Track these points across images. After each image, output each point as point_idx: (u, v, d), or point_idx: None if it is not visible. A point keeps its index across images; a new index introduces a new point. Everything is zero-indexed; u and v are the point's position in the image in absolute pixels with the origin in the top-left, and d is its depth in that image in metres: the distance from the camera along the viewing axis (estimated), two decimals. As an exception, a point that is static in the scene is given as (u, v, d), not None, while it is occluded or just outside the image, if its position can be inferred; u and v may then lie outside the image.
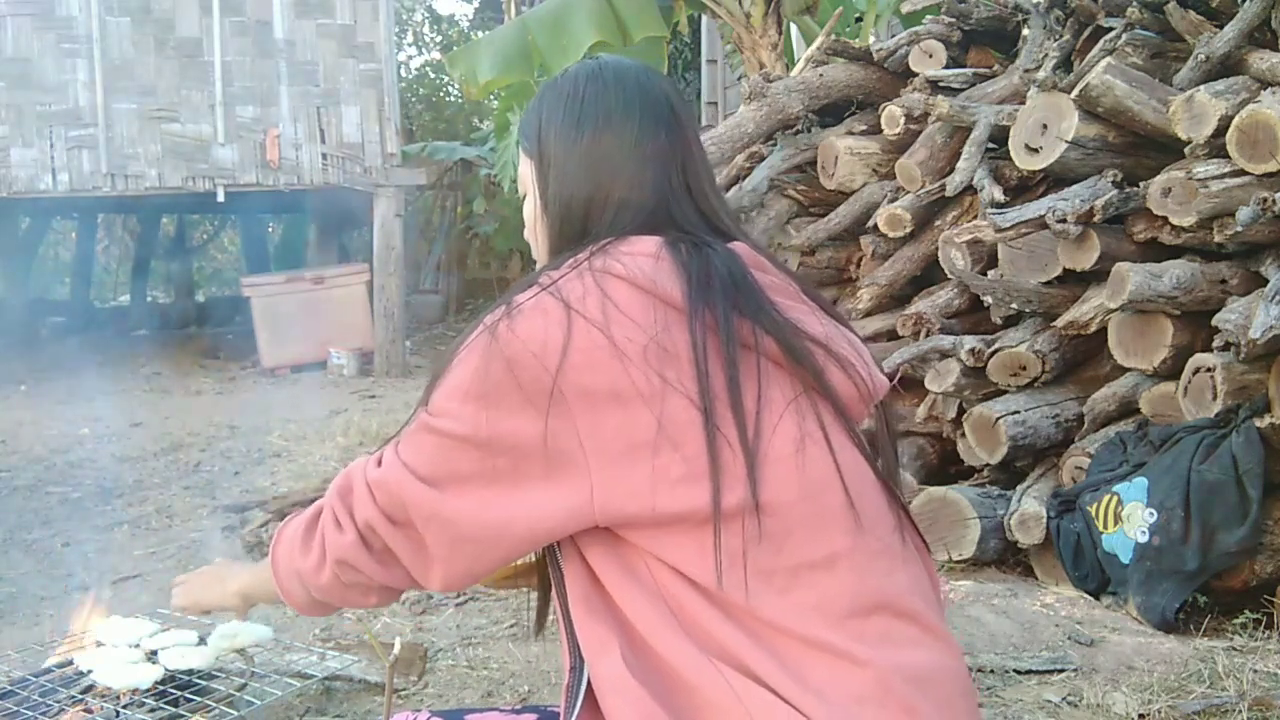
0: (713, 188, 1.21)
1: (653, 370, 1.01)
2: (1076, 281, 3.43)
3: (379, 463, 1.11)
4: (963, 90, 4.09)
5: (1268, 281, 2.99)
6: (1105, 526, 2.97)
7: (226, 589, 1.43)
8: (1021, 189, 3.70)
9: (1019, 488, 3.36)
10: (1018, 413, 3.38)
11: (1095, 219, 3.21)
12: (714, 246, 1.12)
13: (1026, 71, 3.89)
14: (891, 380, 1.22)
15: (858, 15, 7.14)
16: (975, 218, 3.77)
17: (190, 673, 2.38)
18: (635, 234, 1.11)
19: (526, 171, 1.23)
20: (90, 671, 2.41)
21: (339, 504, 1.13)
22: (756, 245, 1.19)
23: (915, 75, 4.23)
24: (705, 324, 1.04)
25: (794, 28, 7.36)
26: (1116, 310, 3.17)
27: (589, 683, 1.05)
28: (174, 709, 2.32)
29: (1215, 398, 2.96)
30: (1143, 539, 2.88)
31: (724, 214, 1.20)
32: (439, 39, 16.63)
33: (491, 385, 1.02)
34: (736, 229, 1.20)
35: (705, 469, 1.00)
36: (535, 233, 1.23)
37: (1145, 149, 3.45)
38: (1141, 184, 3.26)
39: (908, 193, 3.94)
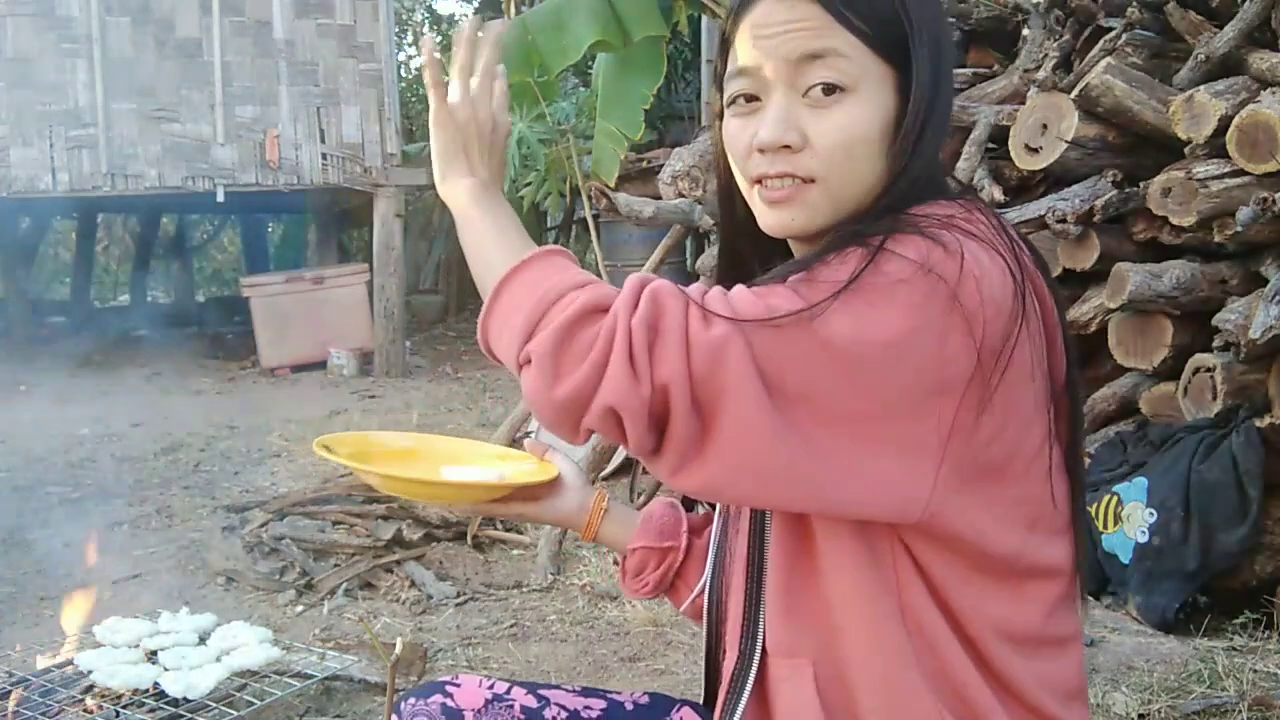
0: None
1: (1045, 376, 0.91)
2: (1076, 281, 3.43)
3: (707, 319, 0.82)
4: (963, 90, 4.09)
5: (1268, 281, 2.99)
6: (1105, 526, 2.97)
7: (458, 187, 1.06)
8: (1021, 189, 3.70)
9: (1019, 488, 3.36)
10: (1018, 413, 3.38)
11: (1095, 219, 3.21)
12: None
13: (1026, 71, 3.89)
14: None
15: (858, 15, 7.13)
16: (975, 218, 3.76)
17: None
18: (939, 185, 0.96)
19: (871, 73, 0.92)
20: (90, 672, 2.41)
21: (642, 335, 0.82)
22: None
23: (915, 75, 4.23)
24: (1072, 382, 0.96)
25: (794, 28, 7.35)
26: (1116, 310, 3.17)
27: (756, 675, 0.97)
28: (174, 709, 2.32)
29: (1215, 398, 2.96)
30: (1143, 539, 2.88)
31: None
32: (439, 39, 16.62)
33: (937, 316, 0.82)
34: None
35: (1052, 508, 0.92)
36: (858, 153, 0.93)
37: (1145, 149, 3.45)
38: (1141, 184, 3.26)
39: (908, 193, 3.94)
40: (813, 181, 0.93)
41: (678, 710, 1.21)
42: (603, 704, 1.20)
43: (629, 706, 1.20)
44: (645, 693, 1.24)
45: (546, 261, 0.92)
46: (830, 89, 0.91)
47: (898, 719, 0.90)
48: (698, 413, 0.82)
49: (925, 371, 0.83)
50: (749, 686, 0.96)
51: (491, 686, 1.15)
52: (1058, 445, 0.94)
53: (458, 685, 1.14)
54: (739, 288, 0.86)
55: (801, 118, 0.93)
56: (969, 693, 0.90)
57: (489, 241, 1.01)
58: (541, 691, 1.17)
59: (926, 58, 0.92)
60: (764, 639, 0.96)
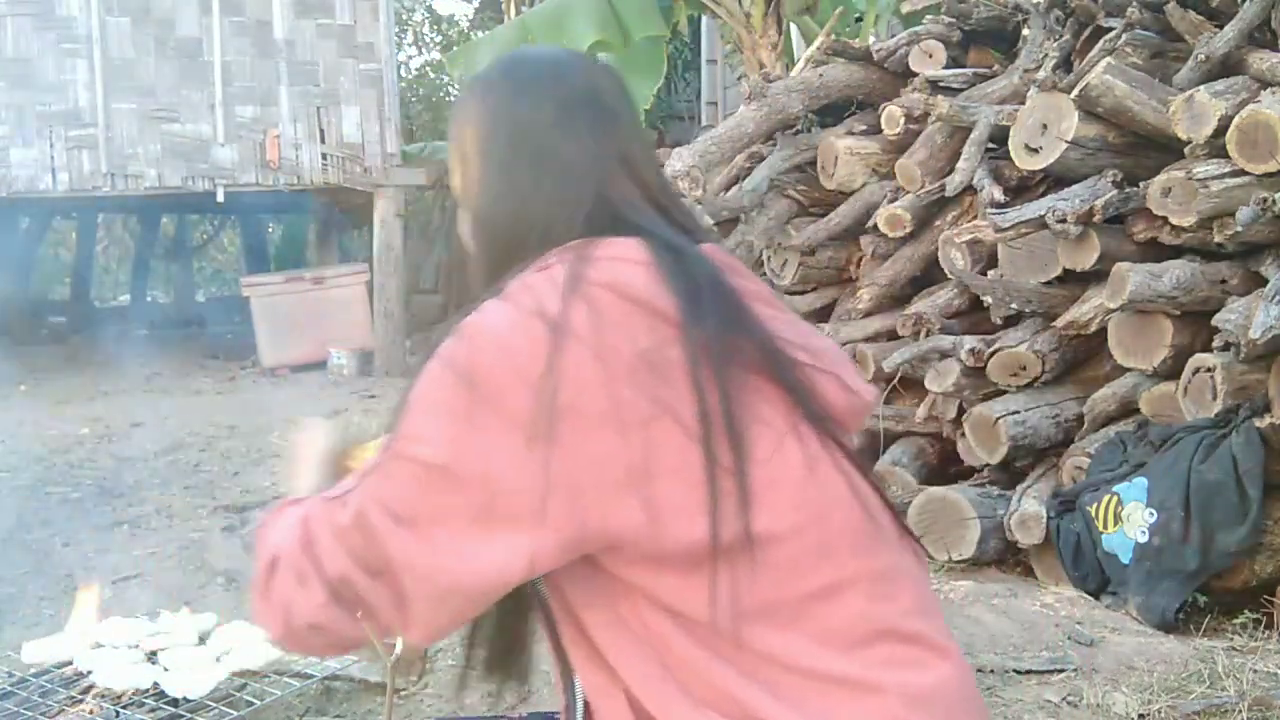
0: (662, 180, 1.11)
1: (644, 391, 0.92)
2: (1076, 281, 3.43)
3: (344, 504, 0.98)
4: (963, 90, 4.09)
5: (1268, 281, 2.99)
6: (1105, 526, 2.97)
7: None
8: (1021, 189, 3.70)
9: (1019, 488, 3.36)
10: (1018, 413, 3.38)
11: (1095, 219, 3.21)
12: (691, 251, 1.02)
13: (1026, 71, 3.89)
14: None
15: (858, 15, 7.14)
16: (975, 218, 3.77)
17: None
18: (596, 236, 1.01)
19: (454, 180, 1.13)
20: (90, 672, 2.41)
21: (303, 557, 0.99)
22: (722, 245, 1.12)
23: (915, 75, 4.23)
24: (699, 341, 0.95)
25: (794, 28, 7.36)
26: (1116, 310, 3.17)
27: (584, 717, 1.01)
28: (173, 709, 2.32)
29: (1215, 398, 2.96)
30: (1143, 539, 2.88)
31: (681, 208, 1.11)
32: (439, 39, 16.62)
33: (468, 408, 0.92)
34: (696, 224, 1.12)
35: (702, 500, 0.92)
36: (468, 244, 1.13)
37: (1145, 149, 3.45)
38: (1141, 184, 3.26)
39: (908, 193, 3.94)
40: None
41: None
42: None
43: None
44: None
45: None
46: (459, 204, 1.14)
47: None
48: (382, 581, 0.95)
49: (478, 422, 0.92)
50: None
51: None
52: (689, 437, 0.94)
53: None
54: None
55: None
56: (722, 684, 0.93)
57: None
58: None
59: (471, 145, 1.09)
60: (581, 691, 1.02)
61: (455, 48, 12.42)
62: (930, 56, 4.30)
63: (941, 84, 4.10)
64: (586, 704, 1.02)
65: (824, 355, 1.06)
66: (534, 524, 0.91)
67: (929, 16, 4.65)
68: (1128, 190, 3.27)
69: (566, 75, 1.10)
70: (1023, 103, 3.57)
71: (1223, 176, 3.06)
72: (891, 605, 0.99)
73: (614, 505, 0.91)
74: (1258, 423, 2.80)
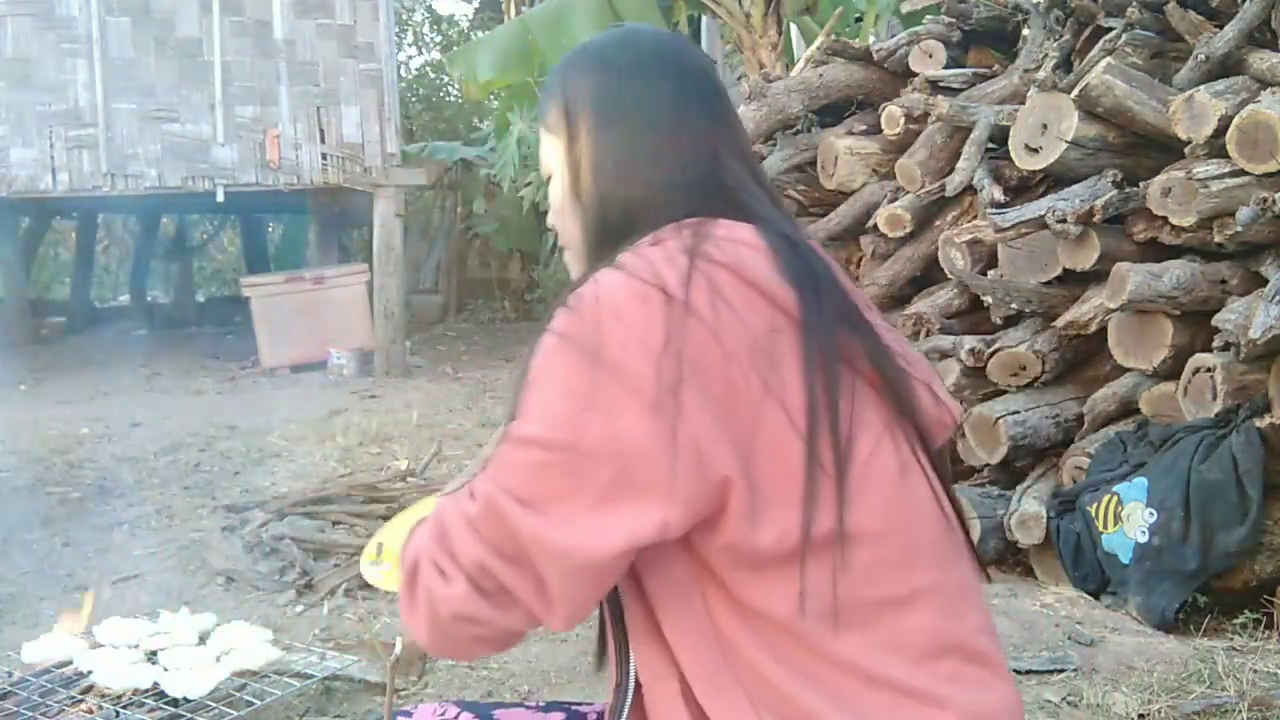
0: (760, 165, 1.10)
1: (755, 375, 0.92)
2: (1076, 281, 3.43)
3: (471, 494, 0.96)
4: (963, 90, 4.09)
5: (1268, 281, 2.99)
6: (1105, 526, 2.97)
7: None
8: (1021, 189, 3.70)
9: (1019, 488, 3.36)
10: (1018, 413, 3.38)
11: (1095, 219, 3.21)
12: (805, 244, 1.03)
13: (1026, 71, 3.89)
14: None
15: (858, 15, 7.15)
16: (975, 218, 3.77)
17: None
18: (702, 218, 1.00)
19: (552, 155, 1.09)
20: (90, 672, 2.42)
21: (438, 550, 0.97)
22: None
23: (915, 75, 4.24)
24: (815, 335, 0.95)
25: (794, 28, 7.36)
26: (1116, 310, 3.17)
27: (631, 705, 1.02)
28: (173, 709, 2.32)
29: (1215, 398, 2.96)
30: (1143, 539, 2.88)
31: (780, 197, 1.09)
32: (439, 39, 16.62)
33: (590, 382, 0.90)
34: (791, 214, 1.10)
35: (797, 491, 0.92)
36: (565, 219, 1.10)
37: (1145, 149, 3.45)
38: (1141, 184, 3.26)
39: (908, 193, 3.94)
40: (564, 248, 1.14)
41: None
42: (562, 715, 1.20)
43: (591, 718, 1.21)
44: None
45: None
46: (549, 179, 1.11)
47: None
48: (519, 566, 0.93)
49: (601, 395, 0.90)
50: (624, 715, 1.03)
51: (444, 713, 1.18)
52: (788, 428, 0.94)
53: (410, 715, 1.19)
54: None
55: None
56: (784, 689, 0.93)
57: None
58: (496, 713, 1.19)
59: (582, 120, 1.06)
60: (635, 671, 1.02)
61: (455, 48, 12.43)
62: (930, 56, 4.30)
63: (941, 84, 4.11)
64: (638, 685, 1.02)
65: (918, 365, 1.07)
66: (666, 492, 0.90)
67: (929, 16, 4.66)
68: (1128, 190, 3.27)
69: (683, 54, 1.10)
70: (1023, 103, 3.57)
71: (1223, 176, 3.06)
72: (961, 622, 1.00)
73: (726, 475, 0.91)
74: (1258, 423, 2.80)
